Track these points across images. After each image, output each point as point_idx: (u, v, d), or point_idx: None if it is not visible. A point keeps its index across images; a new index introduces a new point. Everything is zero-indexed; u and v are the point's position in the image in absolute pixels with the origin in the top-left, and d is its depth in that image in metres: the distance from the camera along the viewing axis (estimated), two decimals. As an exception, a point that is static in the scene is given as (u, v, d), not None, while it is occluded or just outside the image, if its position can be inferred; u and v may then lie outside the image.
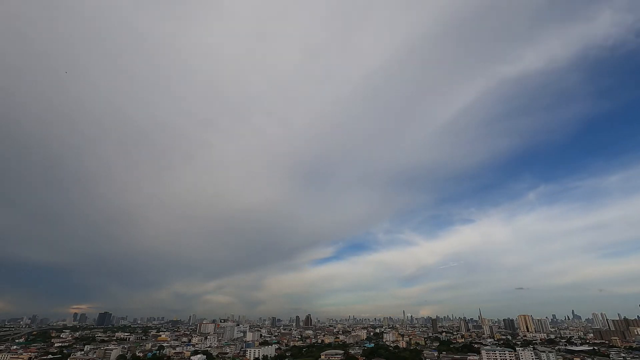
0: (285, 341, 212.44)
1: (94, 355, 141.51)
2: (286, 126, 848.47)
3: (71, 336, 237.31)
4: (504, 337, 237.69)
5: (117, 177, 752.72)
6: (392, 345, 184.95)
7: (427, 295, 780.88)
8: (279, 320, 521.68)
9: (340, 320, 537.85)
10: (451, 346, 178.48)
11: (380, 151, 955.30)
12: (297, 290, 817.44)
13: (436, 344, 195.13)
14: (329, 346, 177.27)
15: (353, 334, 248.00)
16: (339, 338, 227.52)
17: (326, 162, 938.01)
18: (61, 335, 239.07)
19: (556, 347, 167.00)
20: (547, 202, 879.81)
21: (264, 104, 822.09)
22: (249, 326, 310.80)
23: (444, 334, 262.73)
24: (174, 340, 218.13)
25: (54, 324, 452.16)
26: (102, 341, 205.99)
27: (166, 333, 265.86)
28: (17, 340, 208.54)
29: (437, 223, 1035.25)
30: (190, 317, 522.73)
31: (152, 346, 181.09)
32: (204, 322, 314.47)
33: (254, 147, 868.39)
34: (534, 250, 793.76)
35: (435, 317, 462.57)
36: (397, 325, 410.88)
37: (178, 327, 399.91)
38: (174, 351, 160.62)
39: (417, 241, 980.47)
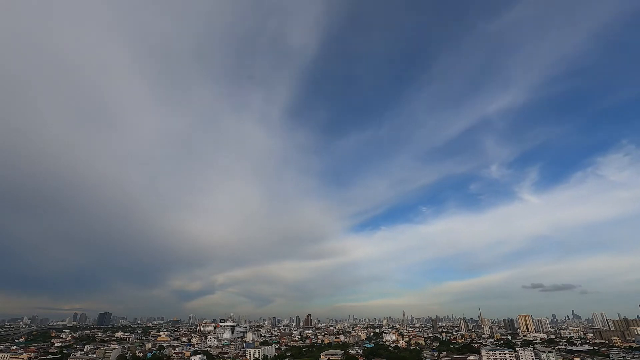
0: (285, 341, 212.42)
1: (94, 355, 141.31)
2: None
3: (71, 336, 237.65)
4: (504, 337, 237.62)
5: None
6: (392, 345, 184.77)
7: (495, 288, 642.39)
8: (279, 320, 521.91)
9: (340, 320, 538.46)
10: (451, 346, 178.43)
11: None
12: (327, 281, 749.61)
13: (436, 344, 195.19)
14: (329, 346, 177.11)
15: (353, 334, 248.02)
16: (338, 338, 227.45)
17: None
18: (61, 335, 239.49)
19: (556, 347, 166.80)
20: None
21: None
22: (249, 326, 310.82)
23: (444, 334, 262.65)
24: (174, 340, 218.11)
25: (54, 324, 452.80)
26: (102, 341, 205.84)
27: (166, 333, 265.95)
28: (17, 340, 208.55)
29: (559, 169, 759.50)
30: (190, 317, 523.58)
31: (152, 346, 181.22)
32: (203, 322, 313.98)
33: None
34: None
35: (435, 317, 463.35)
36: (397, 325, 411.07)
37: (178, 327, 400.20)
38: (174, 351, 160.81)
39: (525, 196, 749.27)
